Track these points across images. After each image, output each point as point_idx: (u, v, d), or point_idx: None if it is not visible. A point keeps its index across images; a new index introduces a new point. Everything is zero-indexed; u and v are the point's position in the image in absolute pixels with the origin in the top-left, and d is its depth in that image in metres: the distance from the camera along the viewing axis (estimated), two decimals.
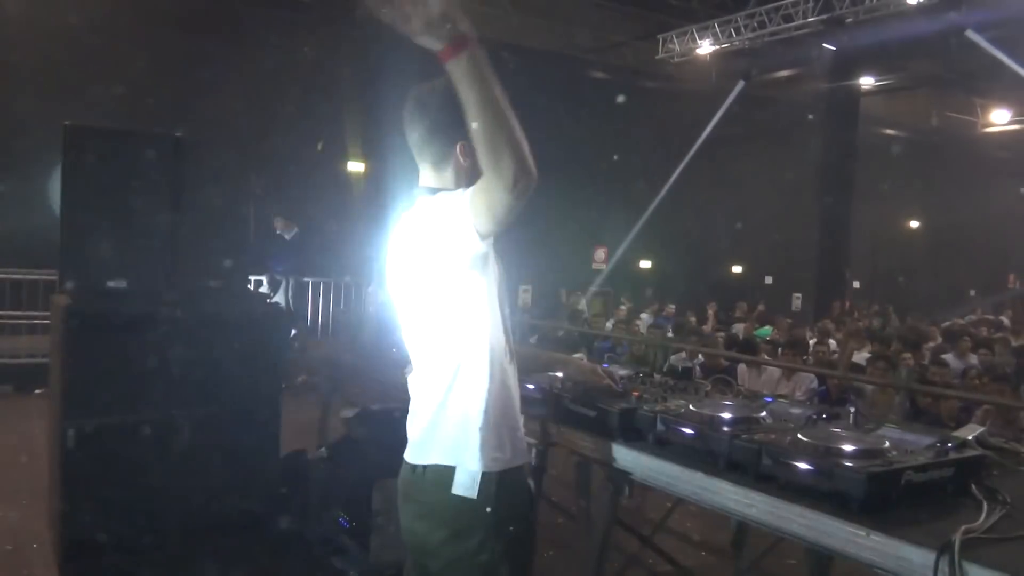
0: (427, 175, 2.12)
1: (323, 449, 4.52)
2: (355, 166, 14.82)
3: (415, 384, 2.16)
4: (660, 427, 2.32)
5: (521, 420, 2.12)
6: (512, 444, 2.04)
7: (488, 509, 1.97)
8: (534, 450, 2.82)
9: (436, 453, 2.03)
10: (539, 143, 2.20)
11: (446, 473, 2.00)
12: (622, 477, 2.41)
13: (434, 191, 2.08)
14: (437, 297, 2.02)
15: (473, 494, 1.97)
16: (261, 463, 4.46)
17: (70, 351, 4.02)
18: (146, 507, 4.15)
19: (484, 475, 1.98)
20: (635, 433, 2.37)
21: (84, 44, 11.29)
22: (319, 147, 13.88)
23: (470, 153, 1.96)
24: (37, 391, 7.94)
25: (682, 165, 15.26)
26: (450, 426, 2.02)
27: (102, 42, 11.43)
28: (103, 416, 4.05)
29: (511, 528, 2.01)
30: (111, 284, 4.17)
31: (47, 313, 4.45)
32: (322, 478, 4.47)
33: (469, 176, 2.00)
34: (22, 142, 10.08)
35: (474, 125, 1.68)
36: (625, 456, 2.35)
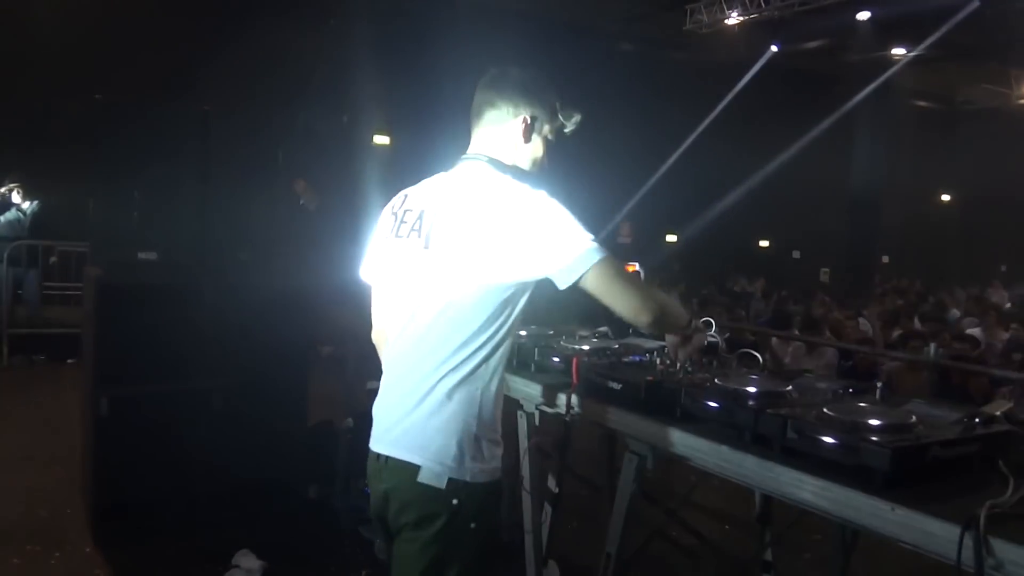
0: (481, 141, 2.14)
1: (349, 420, 4.57)
2: (381, 139, 14.83)
3: (395, 369, 2.08)
4: (685, 400, 2.32)
5: (499, 433, 2.07)
6: (491, 457, 2.01)
7: (454, 502, 1.94)
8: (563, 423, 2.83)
9: (407, 449, 1.98)
10: None
11: (412, 467, 1.96)
12: (647, 450, 2.42)
13: (486, 158, 2.10)
14: (476, 284, 1.95)
15: (441, 485, 1.94)
16: (288, 433, 4.51)
17: (102, 322, 4.09)
18: (176, 474, 4.22)
19: (451, 480, 1.94)
20: (660, 406, 2.37)
21: (113, 19, 11.34)
22: (345, 120, 13.88)
23: (529, 136, 2.11)
24: (70, 361, 8.06)
25: (709, 137, 15.12)
26: (435, 427, 1.96)
27: (130, 17, 11.48)
28: (134, 385, 4.12)
29: (472, 526, 1.97)
30: (142, 256, 4.22)
31: (79, 284, 4.52)
32: (348, 448, 4.52)
33: (524, 156, 2.13)
34: (53, 115, 10.18)
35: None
36: (650, 429, 2.35)
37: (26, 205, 9.73)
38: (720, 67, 15.60)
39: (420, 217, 2.06)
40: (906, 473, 1.80)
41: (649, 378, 2.43)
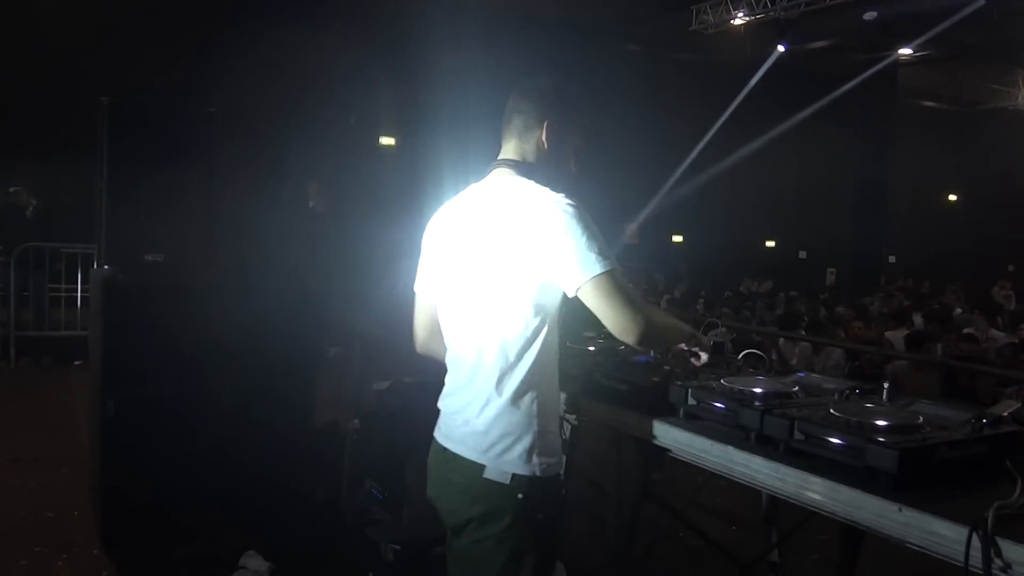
0: (509, 147, 2.22)
1: (356, 422, 4.57)
2: (387, 140, 14.85)
3: (459, 373, 2.17)
4: (692, 401, 2.32)
5: (559, 425, 2.16)
6: (553, 452, 2.09)
7: (520, 496, 2.02)
8: (568, 426, 2.83)
9: (473, 449, 2.07)
10: None
11: (478, 466, 2.05)
12: (653, 451, 2.42)
13: (513, 163, 2.18)
14: (510, 288, 2.04)
15: (506, 480, 2.02)
16: (295, 434, 4.51)
17: (109, 323, 4.10)
18: (183, 476, 4.22)
19: (515, 476, 2.03)
20: (667, 407, 2.37)
21: (119, 21, 11.38)
22: (351, 121, 13.91)
23: (553, 140, 2.18)
24: (77, 362, 8.09)
25: (715, 138, 15.09)
26: (499, 429, 2.05)
27: (136, 18, 11.51)
28: (141, 387, 4.12)
29: (540, 516, 2.05)
30: (149, 257, 4.23)
31: (86, 286, 4.53)
32: (355, 450, 4.53)
33: (547, 157, 2.20)
34: (58, 117, 10.21)
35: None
36: (656, 430, 2.35)
37: (29, 210, 9.78)
38: (726, 67, 15.58)
39: (458, 229, 2.18)
40: (913, 474, 1.80)
41: (655, 379, 2.43)
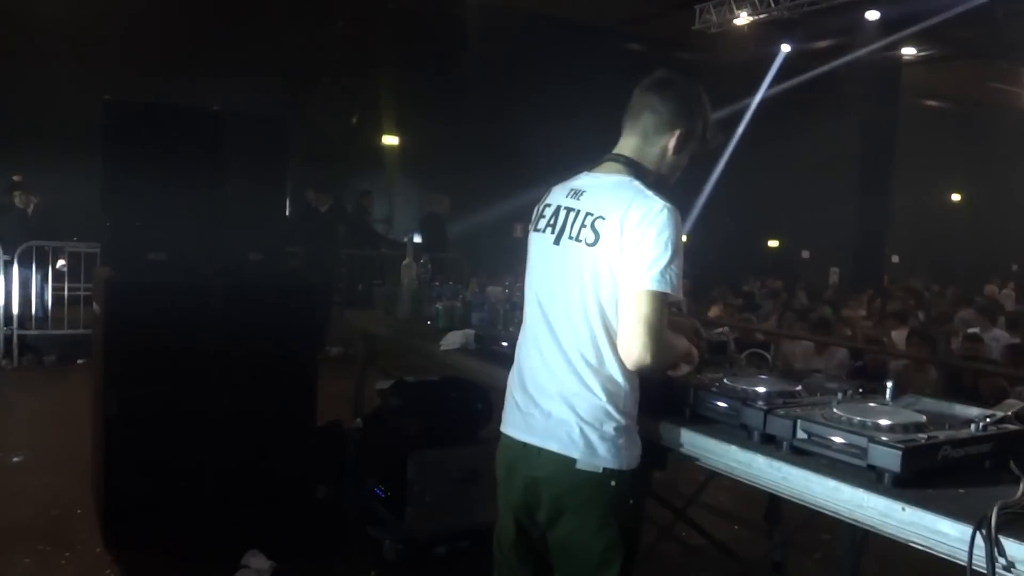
0: (630, 142, 2.18)
1: (359, 420, 4.57)
2: (390, 140, 14.85)
3: (535, 360, 2.15)
4: (695, 400, 2.32)
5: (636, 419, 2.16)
6: (637, 444, 2.11)
7: (612, 483, 2.04)
8: None
9: (560, 442, 2.06)
10: (572, 116, 2.24)
11: (569, 459, 2.05)
12: (656, 450, 2.42)
13: (629, 161, 2.13)
14: (604, 275, 2.02)
15: (598, 471, 2.03)
16: (298, 433, 4.51)
17: (112, 322, 4.09)
18: (186, 474, 4.23)
19: (606, 468, 2.04)
20: (670, 406, 2.37)
21: (122, 19, 11.39)
22: (354, 121, 13.92)
23: (680, 148, 2.15)
24: (80, 361, 8.10)
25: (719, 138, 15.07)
26: (584, 422, 2.04)
27: (140, 16, 11.52)
28: (144, 385, 4.11)
29: (631, 502, 2.09)
30: (152, 256, 4.22)
31: (89, 285, 4.53)
32: (358, 448, 4.53)
33: (669, 164, 2.18)
34: (62, 115, 10.22)
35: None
36: (659, 429, 2.35)
37: (31, 208, 9.78)
38: (729, 67, 15.56)
39: (556, 213, 2.15)
40: (916, 473, 1.80)
41: (659, 378, 2.43)
